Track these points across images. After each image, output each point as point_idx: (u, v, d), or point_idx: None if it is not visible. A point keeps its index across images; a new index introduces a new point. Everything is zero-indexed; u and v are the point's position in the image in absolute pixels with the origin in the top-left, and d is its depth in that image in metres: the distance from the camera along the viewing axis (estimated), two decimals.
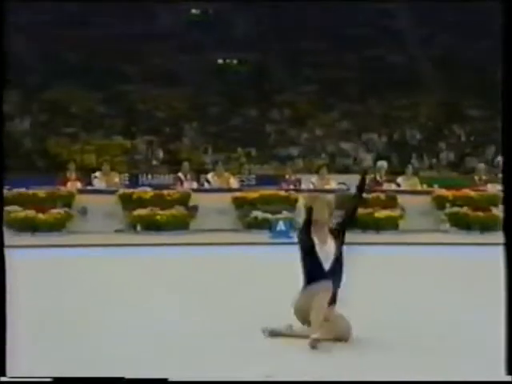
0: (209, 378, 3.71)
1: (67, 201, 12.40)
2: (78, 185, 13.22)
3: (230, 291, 6.69)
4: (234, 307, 5.85)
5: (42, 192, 12.36)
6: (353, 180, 15.51)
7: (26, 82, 23.12)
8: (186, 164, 14.22)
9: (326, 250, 4.85)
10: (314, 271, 4.81)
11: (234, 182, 13.95)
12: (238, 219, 12.85)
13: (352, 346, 4.61)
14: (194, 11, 27.59)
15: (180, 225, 12.31)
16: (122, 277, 7.69)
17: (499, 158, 16.68)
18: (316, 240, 4.88)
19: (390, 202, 13.01)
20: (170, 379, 3.44)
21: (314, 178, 14.00)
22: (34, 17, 23.39)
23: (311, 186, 13.80)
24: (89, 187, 13.21)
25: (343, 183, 14.94)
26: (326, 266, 4.81)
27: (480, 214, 12.83)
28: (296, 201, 12.95)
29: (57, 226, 11.94)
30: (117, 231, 12.37)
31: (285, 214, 12.55)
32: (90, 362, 4.16)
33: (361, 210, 12.75)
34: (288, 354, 4.43)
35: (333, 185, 13.96)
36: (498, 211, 12.89)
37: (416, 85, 25.87)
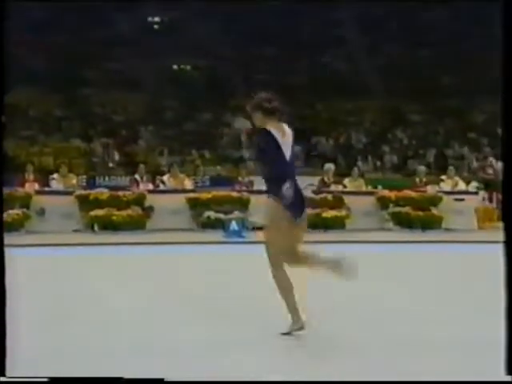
0: (207, 377, 3.63)
1: (25, 201, 12.20)
2: (36, 186, 13.03)
3: (186, 287, 6.66)
4: (190, 299, 5.82)
5: None
6: (301, 181, 15.63)
7: None
8: (142, 166, 14.14)
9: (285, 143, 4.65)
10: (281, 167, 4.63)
11: (188, 184, 13.91)
12: (192, 219, 12.81)
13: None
14: (150, 18, 27.48)
15: (136, 225, 12.23)
16: (82, 275, 7.58)
17: (491, 158, 16.97)
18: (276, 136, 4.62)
19: (337, 202, 13.14)
20: (167, 379, 3.37)
21: None
22: None
23: (263, 187, 13.83)
24: (46, 188, 13.01)
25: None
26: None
27: (421, 213, 13.10)
28: (248, 201, 12.98)
29: (15, 226, 11.72)
30: (74, 231, 12.22)
31: (237, 214, 12.56)
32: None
33: (309, 211, 12.81)
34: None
35: None
36: (438, 211, 13.18)
37: (361, 91, 26.19)
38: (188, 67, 27.75)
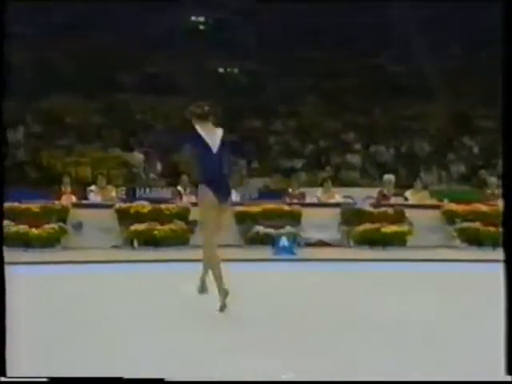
0: (207, 378, 3.79)
1: (61, 215, 12.44)
2: (73, 199, 13.28)
3: (237, 308, 6.70)
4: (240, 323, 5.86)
5: (35, 206, 12.39)
6: (358, 193, 15.59)
7: (19, 91, 23.21)
8: (185, 177, 14.24)
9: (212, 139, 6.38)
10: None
11: (235, 196, 13.97)
12: (239, 234, 12.87)
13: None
14: (194, 18, 27.73)
15: (179, 240, 12.33)
16: (120, 294, 7.69)
17: None
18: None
19: (398, 216, 13.03)
20: (167, 379, 3.58)
21: (318, 192, 14.04)
22: (27, 24, 23.50)
23: (316, 200, 13.84)
24: (84, 201, 13.25)
25: (349, 197, 14.97)
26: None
27: (491, 229, 12.80)
28: (300, 215, 12.99)
29: (51, 242, 11.98)
30: (113, 247, 12.41)
31: (288, 229, 12.58)
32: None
33: (367, 226, 12.83)
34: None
35: (338, 198, 14.00)
36: None
37: (424, 94, 25.94)
38: (235, 70, 27.93)
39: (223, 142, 6.42)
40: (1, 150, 3.92)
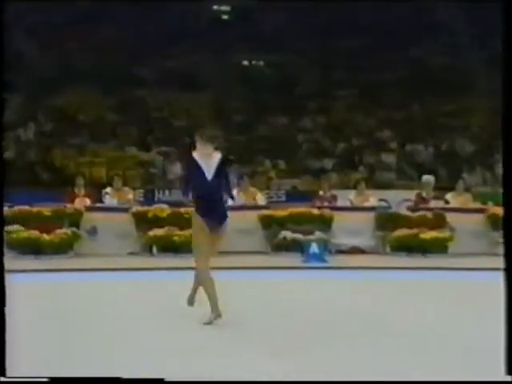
0: (206, 378, 3.96)
1: (75, 219, 12.54)
2: (87, 201, 13.36)
3: (257, 317, 6.71)
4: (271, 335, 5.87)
5: (46, 209, 12.49)
6: (394, 196, 15.51)
7: (29, 86, 23.45)
8: None
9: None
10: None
11: (260, 199, 14.00)
12: (266, 240, 12.89)
13: None
14: (216, 7, 27.75)
15: None
16: (137, 304, 7.73)
17: None
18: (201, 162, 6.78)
19: (438, 221, 12.97)
20: (167, 379, 3.80)
21: (351, 194, 14.01)
22: (38, 16, 23.72)
23: (348, 203, 13.81)
24: (99, 204, 13.33)
25: (384, 200, 14.92)
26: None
27: None
28: (331, 220, 12.97)
29: (63, 248, 12.07)
30: (130, 253, 12.47)
31: (318, 234, 12.57)
32: None
33: (404, 231, 12.77)
34: None
35: (372, 201, 13.96)
36: None
37: (467, 89, 25.77)
38: (261, 63, 27.94)
39: (220, 169, 6.80)
40: (1, 150, 4.07)
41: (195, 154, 6.82)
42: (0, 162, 4.06)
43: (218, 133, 7.15)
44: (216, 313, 6.58)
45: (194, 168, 6.76)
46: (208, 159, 6.77)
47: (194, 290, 7.04)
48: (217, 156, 6.84)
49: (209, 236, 6.71)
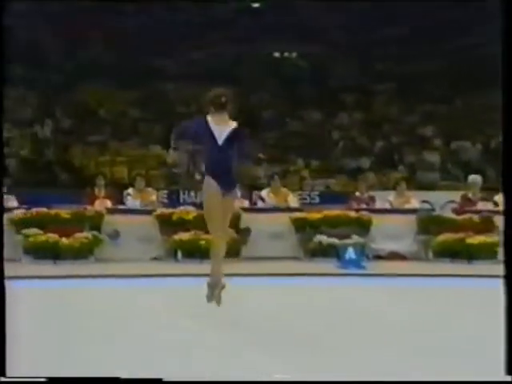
0: (206, 378, 4.14)
1: (95, 222, 12.66)
2: (108, 203, 13.47)
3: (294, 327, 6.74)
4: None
5: (65, 212, 12.62)
6: (438, 198, 15.43)
7: (47, 81, 23.68)
8: None
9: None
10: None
11: (293, 200, 14.03)
12: (299, 245, 12.91)
13: None
14: None
15: (229, 251, 12.31)
16: (161, 311, 7.79)
17: None
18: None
19: (486, 225, 12.91)
20: (165, 379, 4.05)
21: (390, 196, 13.98)
22: (56, 7, 23.91)
23: (387, 205, 13.78)
24: (120, 206, 13.44)
25: (426, 201, 14.86)
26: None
27: None
28: (369, 223, 12.96)
29: (83, 253, 12.18)
30: (153, 259, 12.56)
31: (355, 238, 12.56)
32: None
33: (449, 235, 12.72)
34: None
35: (414, 203, 13.91)
36: None
37: None
38: (293, 55, 27.94)
39: (233, 135, 7.12)
40: (1, 150, 4.31)
41: (209, 119, 7.14)
42: (0, 161, 4.24)
43: (225, 92, 7.37)
44: (219, 286, 7.38)
45: (206, 133, 7.10)
46: (222, 125, 7.12)
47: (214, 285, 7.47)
48: (232, 124, 7.18)
49: (220, 201, 7.12)
